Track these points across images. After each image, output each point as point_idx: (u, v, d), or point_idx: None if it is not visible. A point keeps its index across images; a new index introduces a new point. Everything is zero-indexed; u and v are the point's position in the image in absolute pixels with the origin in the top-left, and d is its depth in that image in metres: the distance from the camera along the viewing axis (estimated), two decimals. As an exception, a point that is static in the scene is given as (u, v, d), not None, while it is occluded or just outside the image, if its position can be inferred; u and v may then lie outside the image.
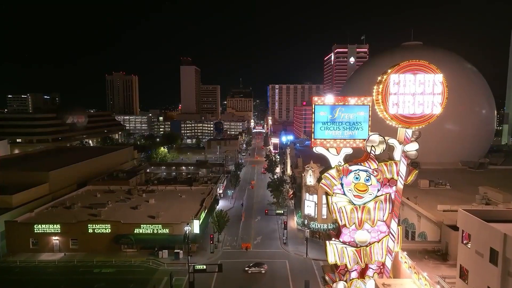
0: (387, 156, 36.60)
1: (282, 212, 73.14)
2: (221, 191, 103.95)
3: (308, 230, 66.79)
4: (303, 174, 71.32)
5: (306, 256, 62.13)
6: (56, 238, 63.45)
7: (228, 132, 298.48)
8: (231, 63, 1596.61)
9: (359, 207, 35.19)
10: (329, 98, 35.94)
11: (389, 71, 34.82)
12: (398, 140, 36.16)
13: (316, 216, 68.31)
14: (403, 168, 36.09)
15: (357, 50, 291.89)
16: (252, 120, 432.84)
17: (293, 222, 79.33)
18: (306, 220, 69.29)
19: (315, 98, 36.13)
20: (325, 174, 35.55)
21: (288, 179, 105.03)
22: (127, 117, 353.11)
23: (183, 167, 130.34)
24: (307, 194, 69.74)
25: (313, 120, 35.94)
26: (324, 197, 67.57)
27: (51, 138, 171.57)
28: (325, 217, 67.22)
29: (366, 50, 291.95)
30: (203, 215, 71.19)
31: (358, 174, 35.44)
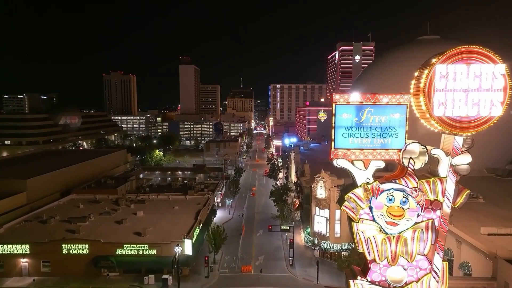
0: (427, 171, 28.43)
1: (288, 228, 64.13)
2: (219, 200, 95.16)
3: (318, 250, 57.78)
4: (312, 185, 62.02)
5: (317, 283, 53.02)
6: (25, 260, 54.37)
7: (228, 133, 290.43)
8: (231, 63, 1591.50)
9: (393, 237, 26.98)
10: (355, 96, 27.07)
11: (434, 60, 26.23)
12: (444, 151, 27.91)
13: (328, 235, 58.92)
14: (450, 187, 27.72)
15: (363, 47, 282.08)
16: (252, 121, 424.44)
17: (300, 238, 70.25)
18: (316, 239, 60.04)
19: (337, 96, 27.36)
20: (349, 194, 27.15)
21: (293, 187, 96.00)
22: (125, 118, 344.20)
23: (179, 172, 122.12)
24: (317, 208, 60.43)
25: (333, 124, 27.32)
26: (337, 212, 59.09)
27: (42, 140, 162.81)
28: (338, 235, 58.02)
29: (372, 47, 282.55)
30: (197, 231, 62.36)
31: (392, 195, 27.12)
